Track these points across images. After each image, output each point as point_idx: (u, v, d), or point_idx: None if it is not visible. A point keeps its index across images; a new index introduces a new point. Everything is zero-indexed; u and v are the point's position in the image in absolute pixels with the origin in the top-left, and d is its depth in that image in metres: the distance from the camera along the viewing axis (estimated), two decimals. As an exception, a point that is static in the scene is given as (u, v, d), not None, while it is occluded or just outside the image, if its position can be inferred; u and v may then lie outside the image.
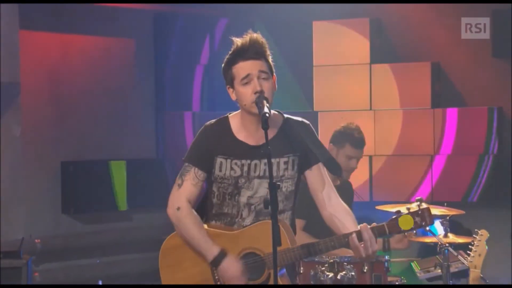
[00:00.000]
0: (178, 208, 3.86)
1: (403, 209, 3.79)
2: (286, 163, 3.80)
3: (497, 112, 8.20)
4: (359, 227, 3.68)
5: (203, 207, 3.94)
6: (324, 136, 5.57)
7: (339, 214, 3.80)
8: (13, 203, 7.54)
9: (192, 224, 3.82)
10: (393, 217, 3.68)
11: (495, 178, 8.08)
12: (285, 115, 3.87)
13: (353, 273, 4.92)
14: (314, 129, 3.90)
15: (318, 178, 3.84)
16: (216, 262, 3.74)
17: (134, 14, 8.30)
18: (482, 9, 8.06)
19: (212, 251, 3.75)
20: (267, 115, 3.59)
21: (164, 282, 3.87)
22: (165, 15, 8.49)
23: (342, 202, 3.85)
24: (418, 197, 5.27)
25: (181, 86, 8.60)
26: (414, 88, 8.39)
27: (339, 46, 8.61)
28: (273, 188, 3.52)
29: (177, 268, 3.83)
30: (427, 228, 3.72)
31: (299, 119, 3.89)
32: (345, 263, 4.94)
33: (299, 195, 3.91)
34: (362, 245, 3.65)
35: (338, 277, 4.91)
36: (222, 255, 3.74)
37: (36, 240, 7.26)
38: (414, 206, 3.80)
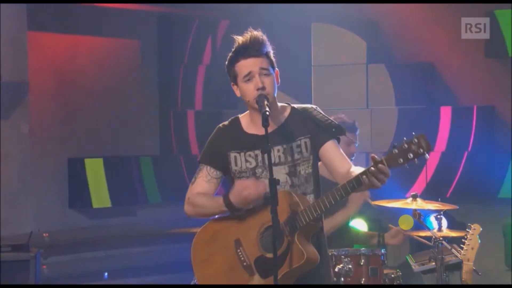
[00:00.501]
0: (188, 198, 3.87)
1: (399, 145, 3.53)
2: (299, 146, 3.80)
3: (489, 110, 8.22)
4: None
5: None
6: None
7: (353, 169, 3.72)
8: (22, 198, 7.57)
9: (201, 198, 3.83)
10: (390, 150, 3.55)
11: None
12: (292, 105, 3.89)
13: (350, 266, 4.93)
14: (321, 110, 3.89)
15: (332, 153, 3.80)
16: (228, 204, 3.73)
17: (139, 16, 8.31)
18: (477, 9, 8.07)
19: (220, 202, 3.75)
20: (267, 113, 3.62)
21: (198, 277, 3.86)
22: (169, 17, 8.50)
23: (357, 167, 3.80)
24: (413, 193, 5.28)
25: (184, 85, 8.62)
26: (409, 87, 8.41)
27: (337, 46, 8.62)
28: (273, 183, 3.52)
29: (207, 262, 3.84)
30: (427, 156, 3.48)
31: (306, 105, 3.91)
32: (343, 256, 4.95)
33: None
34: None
35: (336, 269, 4.91)
36: (226, 196, 3.74)
37: (44, 234, 7.27)
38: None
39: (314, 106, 3.89)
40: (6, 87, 7.50)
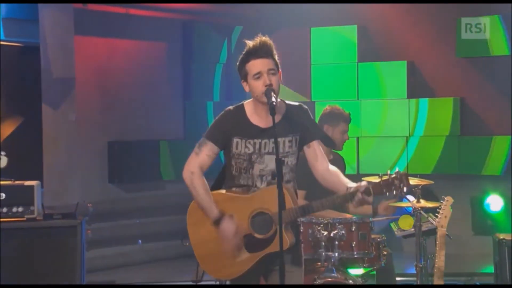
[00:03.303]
0: (192, 173, 3.81)
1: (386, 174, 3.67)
2: (290, 141, 3.80)
3: (460, 101, 8.24)
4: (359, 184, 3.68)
5: (222, 177, 3.96)
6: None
7: (331, 172, 3.81)
8: (70, 174, 7.62)
9: (200, 187, 3.79)
10: (376, 181, 3.65)
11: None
12: (286, 102, 3.88)
13: (343, 232, 4.93)
14: (310, 112, 3.91)
15: (315, 153, 3.84)
16: (216, 222, 3.75)
17: (166, 22, 8.34)
18: (449, 13, 8.06)
19: (213, 213, 3.75)
20: (274, 103, 3.63)
21: (191, 237, 3.84)
22: (192, 23, 8.52)
23: (334, 167, 3.87)
24: (396, 170, 5.29)
25: (204, 80, 8.64)
26: (393, 82, 8.42)
27: (332, 48, 8.64)
28: (279, 163, 3.56)
29: (201, 225, 3.81)
30: (404, 192, 3.63)
31: (297, 103, 3.89)
32: (337, 224, 4.97)
33: (300, 169, 3.92)
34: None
35: (331, 234, 4.92)
36: (220, 216, 3.74)
37: (88, 204, 7.30)
38: (393, 173, 3.68)
39: (305, 107, 3.89)
40: (57, 82, 7.55)
